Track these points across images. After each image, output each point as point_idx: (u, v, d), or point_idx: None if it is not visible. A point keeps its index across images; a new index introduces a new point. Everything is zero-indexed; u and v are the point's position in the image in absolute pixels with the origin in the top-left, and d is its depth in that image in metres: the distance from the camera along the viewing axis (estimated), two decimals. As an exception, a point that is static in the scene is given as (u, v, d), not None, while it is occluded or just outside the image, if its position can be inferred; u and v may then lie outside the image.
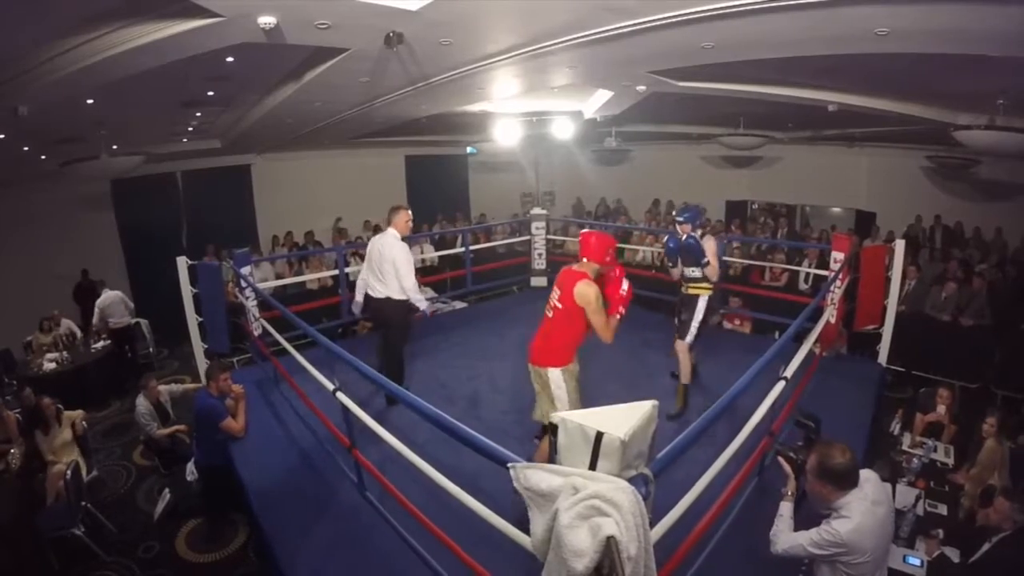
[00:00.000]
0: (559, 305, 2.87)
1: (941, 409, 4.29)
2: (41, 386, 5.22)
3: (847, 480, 1.89)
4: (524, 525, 1.50)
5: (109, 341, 6.83)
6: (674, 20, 3.32)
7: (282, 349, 3.90)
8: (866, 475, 1.97)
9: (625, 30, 3.54)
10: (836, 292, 4.43)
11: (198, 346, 4.88)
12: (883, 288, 4.61)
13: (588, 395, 4.02)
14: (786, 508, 2.11)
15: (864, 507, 1.85)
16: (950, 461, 3.95)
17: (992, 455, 3.59)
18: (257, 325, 4.74)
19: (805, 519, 2.05)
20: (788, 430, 2.98)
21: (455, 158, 12.29)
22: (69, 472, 3.83)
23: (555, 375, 2.88)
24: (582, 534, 1.21)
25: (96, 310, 6.82)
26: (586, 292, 2.77)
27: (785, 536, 2.02)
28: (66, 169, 6.07)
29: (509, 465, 1.49)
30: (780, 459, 2.19)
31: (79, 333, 7.00)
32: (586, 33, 3.70)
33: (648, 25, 3.42)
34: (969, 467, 3.73)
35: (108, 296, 6.88)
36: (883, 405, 4.48)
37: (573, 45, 3.89)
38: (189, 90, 5.10)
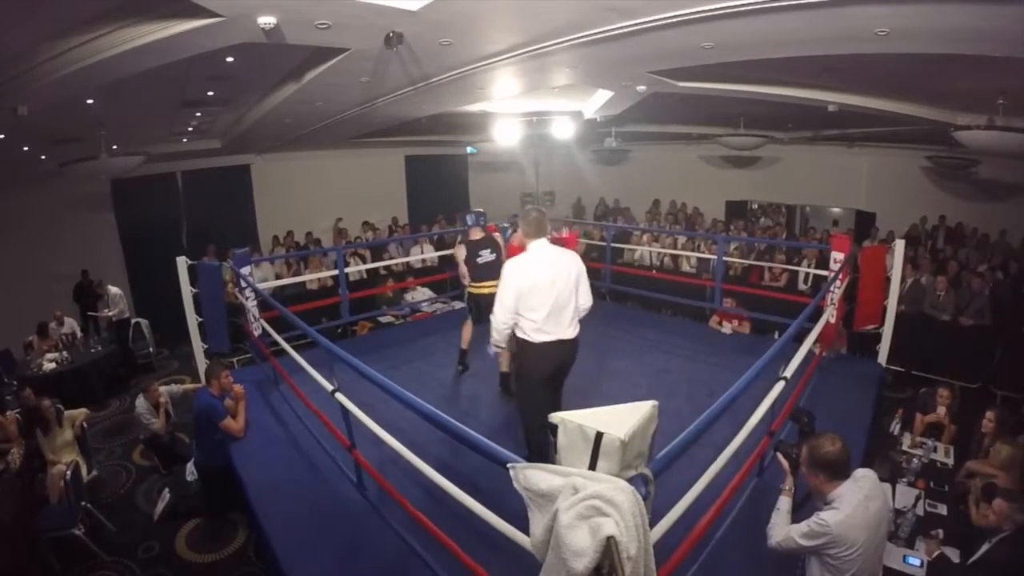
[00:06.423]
0: None
1: (941, 409, 4.28)
2: (41, 386, 5.21)
3: (838, 469, 1.91)
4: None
5: (108, 338, 6.87)
6: (674, 20, 3.32)
7: (282, 349, 3.90)
8: (864, 472, 1.99)
9: (626, 30, 3.54)
10: (836, 292, 4.43)
11: (198, 346, 4.88)
12: (883, 288, 4.61)
13: (587, 395, 4.04)
14: (784, 503, 2.13)
15: (856, 500, 1.86)
16: (950, 461, 3.93)
17: (1012, 460, 3.51)
18: (257, 325, 4.74)
19: (807, 516, 2.06)
20: (788, 429, 2.98)
21: (455, 158, 12.28)
22: (69, 472, 3.83)
23: None
24: (582, 534, 1.21)
25: (110, 295, 7.16)
26: None
27: (779, 529, 2.04)
28: (66, 169, 6.06)
29: (509, 465, 1.49)
30: (778, 455, 2.22)
31: (79, 332, 7.01)
32: (587, 33, 3.70)
33: (649, 25, 3.42)
34: (984, 456, 3.65)
35: (114, 288, 7.26)
36: (883, 405, 4.48)
37: (574, 45, 3.89)
38: (189, 90, 5.10)
